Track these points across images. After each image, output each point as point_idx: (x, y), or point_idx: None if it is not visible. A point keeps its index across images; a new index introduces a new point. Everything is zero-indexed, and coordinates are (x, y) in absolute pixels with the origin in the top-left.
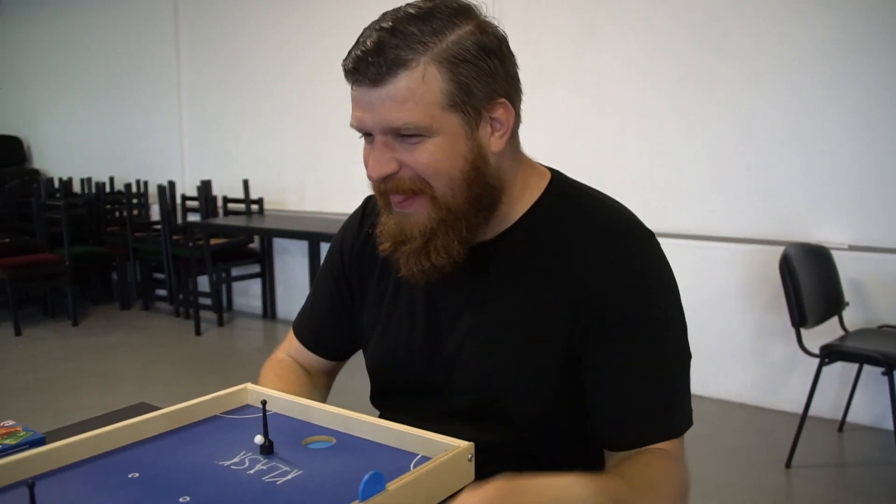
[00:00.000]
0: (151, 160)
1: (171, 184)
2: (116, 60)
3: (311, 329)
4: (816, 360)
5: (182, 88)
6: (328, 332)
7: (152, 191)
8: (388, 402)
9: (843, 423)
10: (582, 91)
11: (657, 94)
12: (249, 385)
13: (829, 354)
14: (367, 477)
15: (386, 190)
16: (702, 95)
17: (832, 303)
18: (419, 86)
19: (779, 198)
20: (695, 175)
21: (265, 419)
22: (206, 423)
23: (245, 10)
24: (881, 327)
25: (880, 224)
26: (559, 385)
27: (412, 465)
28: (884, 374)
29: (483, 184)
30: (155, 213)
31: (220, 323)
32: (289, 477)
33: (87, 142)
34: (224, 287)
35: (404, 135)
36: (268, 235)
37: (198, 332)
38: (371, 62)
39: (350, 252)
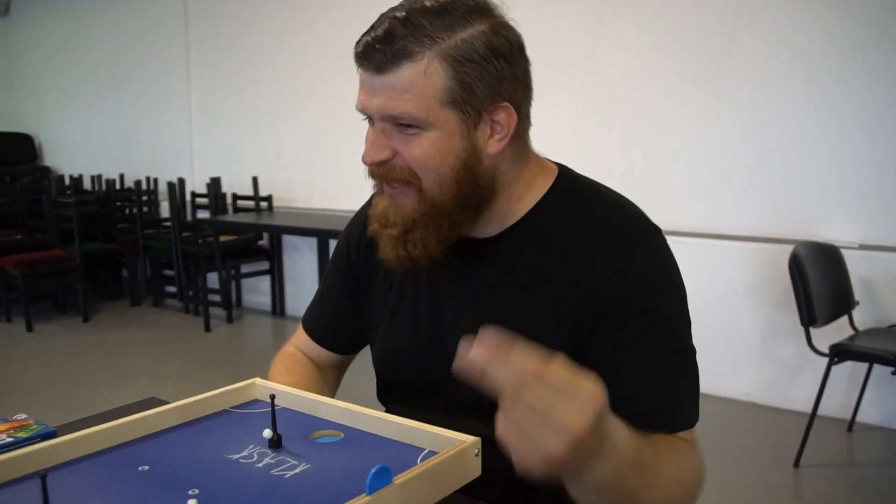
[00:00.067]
0: (161, 157)
1: (181, 181)
2: (126, 58)
3: (319, 324)
4: (826, 360)
5: (191, 86)
6: (336, 328)
7: (162, 188)
8: (394, 398)
9: (852, 423)
10: (589, 91)
11: (665, 94)
12: (258, 380)
13: (839, 354)
14: (374, 471)
15: (378, 175)
16: (710, 95)
17: (842, 302)
18: (420, 78)
19: (788, 196)
20: (703, 174)
21: (273, 413)
22: (216, 417)
23: (254, 7)
24: (891, 327)
25: (892, 223)
26: None
27: (419, 460)
28: (894, 373)
29: (473, 184)
30: (165, 210)
31: (230, 319)
32: (297, 470)
33: (98, 139)
34: (233, 284)
35: (402, 124)
36: (277, 232)
37: (207, 329)
38: (378, 49)
39: (357, 249)
